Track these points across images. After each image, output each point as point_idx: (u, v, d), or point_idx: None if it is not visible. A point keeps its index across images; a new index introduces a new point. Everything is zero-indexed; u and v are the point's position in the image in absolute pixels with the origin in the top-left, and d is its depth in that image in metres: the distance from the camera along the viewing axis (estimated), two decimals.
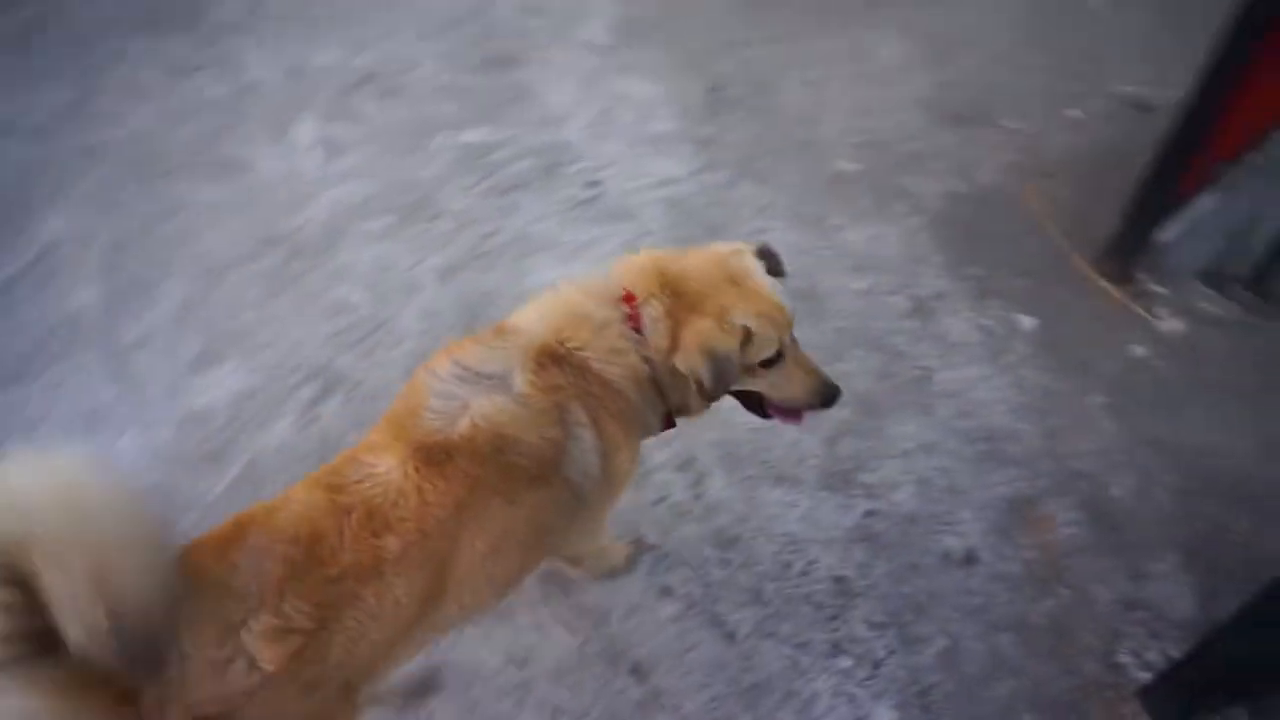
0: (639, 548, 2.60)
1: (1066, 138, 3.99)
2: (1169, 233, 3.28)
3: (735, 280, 1.71)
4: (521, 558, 1.67)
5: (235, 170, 4.04)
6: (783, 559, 2.60)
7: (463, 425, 1.50)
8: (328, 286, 3.45)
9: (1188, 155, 2.98)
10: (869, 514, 2.69)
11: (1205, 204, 3.26)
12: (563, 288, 1.75)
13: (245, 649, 1.23)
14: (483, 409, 1.52)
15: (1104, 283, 3.30)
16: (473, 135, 4.09)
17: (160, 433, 2.95)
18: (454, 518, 1.44)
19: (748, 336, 1.68)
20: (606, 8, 4.89)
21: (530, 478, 1.55)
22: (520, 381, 1.57)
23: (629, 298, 1.70)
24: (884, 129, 4.03)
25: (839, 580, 2.54)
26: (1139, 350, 3.10)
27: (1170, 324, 3.18)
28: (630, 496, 2.65)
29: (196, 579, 1.25)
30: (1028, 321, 3.19)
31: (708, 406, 1.85)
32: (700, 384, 1.66)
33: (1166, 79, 3.89)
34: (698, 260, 1.74)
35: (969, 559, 2.58)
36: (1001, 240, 3.50)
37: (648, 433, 1.86)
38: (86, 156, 4.15)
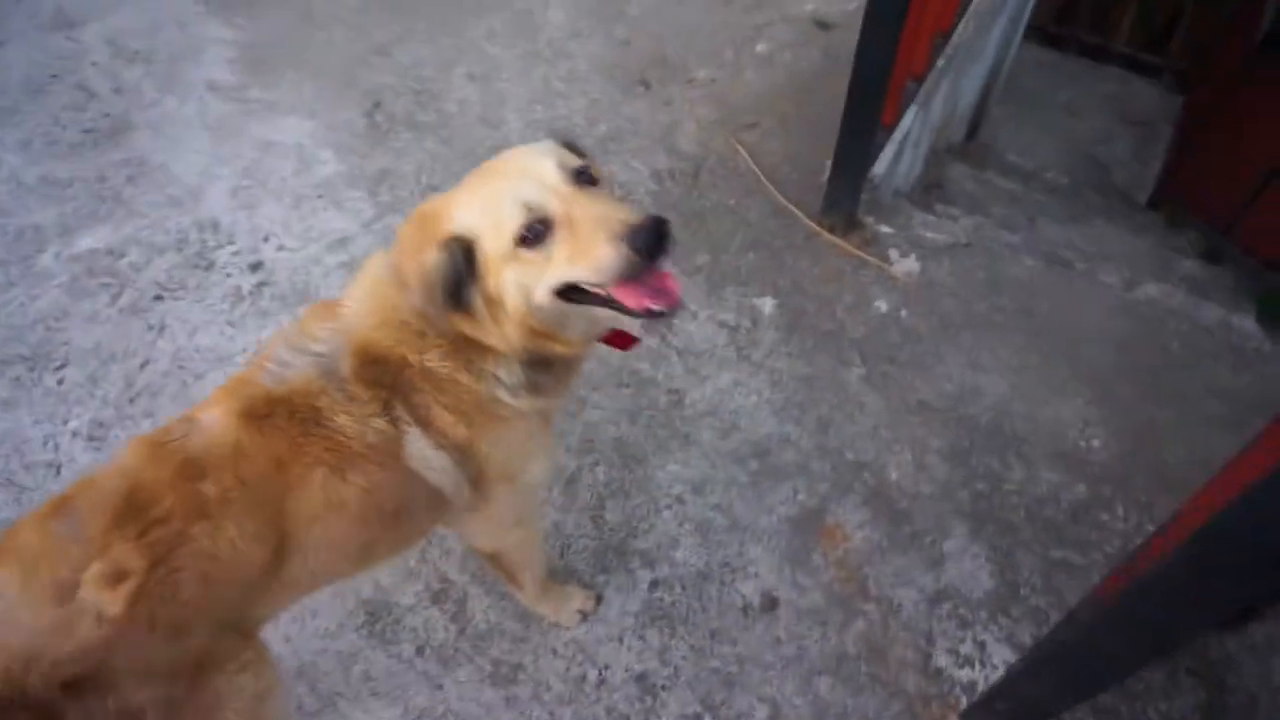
0: (593, 603, 2.38)
1: (760, 76, 3.78)
2: (881, 165, 3.15)
3: (481, 174, 1.47)
4: (364, 532, 1.57)
5: None
6: (574, 674, 2.28)
7: (283, 388, 1.45)
8: None
9: (880, 82, 2.80)
10: (654, 585, 2.42)
11: (908, 121, 3.15)
12: (376, 262, 1.57)
13: (86, 601, 1.22)
14: (299, 381, 1.46)
15: (831, 236, 3.14)
16: (88, 241, 3.30)
17: None
18: (275, 473, 1.40)
19: (463, 243, 1.39)
20: (219, 36, 4.09)
21: (359, 458, 1.46)
22: (345, 368, 1.49)
23: None
24: (571, 112, 3.65)
25: (640, 679, 2.27)
26: (882, 305, 2.98)
27: (904, 265, 3.08)
28: (382, 656, 2.28)
29: (17, 558, 1.26)
30: (768, 304, 2.98)
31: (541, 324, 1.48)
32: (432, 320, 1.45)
33: None
34: (463, 181, 1.50)
35: (769, 603, 2.38)
36: (722, 215, 3.26)
37: (508, 397, 1.57)
38: None
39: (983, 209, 3.47)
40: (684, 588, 2.41)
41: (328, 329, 1.53)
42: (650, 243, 1.30)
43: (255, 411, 1.42)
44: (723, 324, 2.93)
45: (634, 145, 3.50)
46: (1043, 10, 9.59)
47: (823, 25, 3.95)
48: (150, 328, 3.03)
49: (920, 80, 3.16)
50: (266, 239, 3.27)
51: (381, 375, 1.49)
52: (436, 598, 2.40)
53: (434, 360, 1.50)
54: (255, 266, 3.18)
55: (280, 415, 1.43)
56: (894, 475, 2.58)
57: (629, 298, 1.37)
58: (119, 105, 3.80)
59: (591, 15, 4.08)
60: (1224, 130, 6.85)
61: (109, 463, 1.38)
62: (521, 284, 1.40)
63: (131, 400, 2.86)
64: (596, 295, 1.40)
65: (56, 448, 2.76)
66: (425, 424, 1.53)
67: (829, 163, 3.06)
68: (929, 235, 3.15)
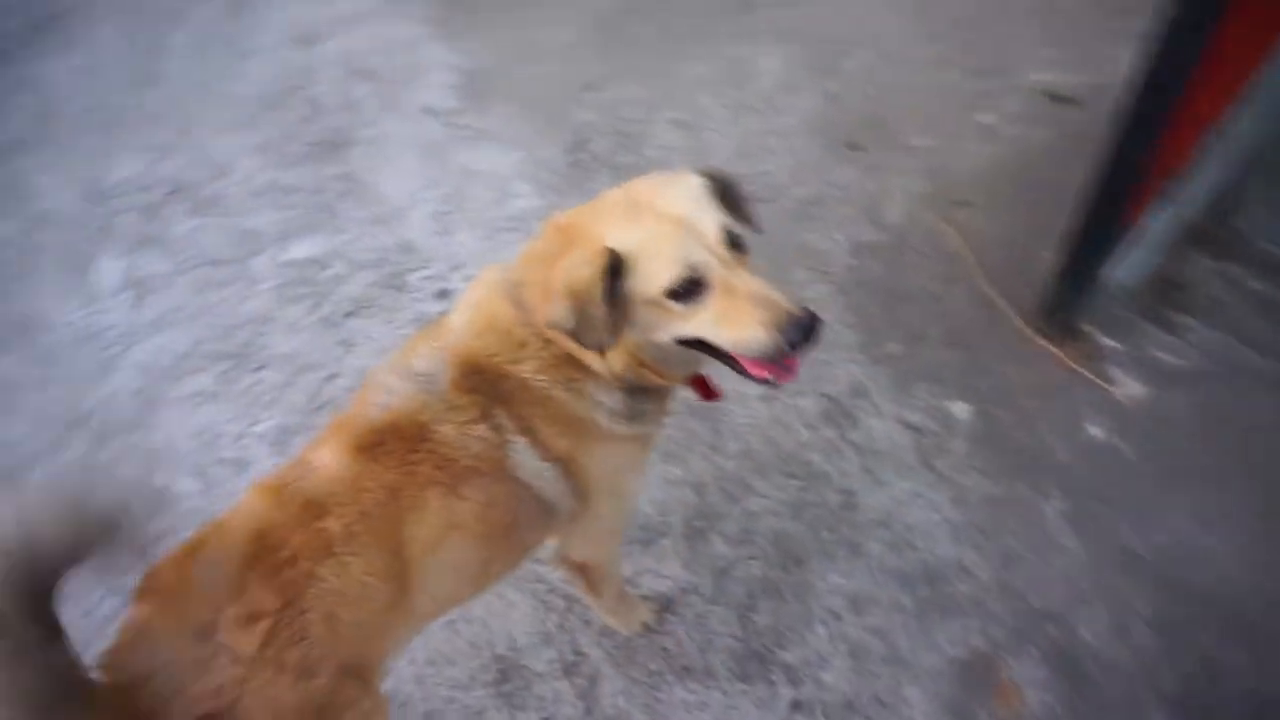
0: (659, 614, 2.41)
1: (980, 149, 3.51)
2: (1118, 268, 2.82)
3: (635, 207, 1.43)
4: (482, 549, 1.59)
5: (29, 332, 3.46)
6: None
7: (389, 414, 1.49)
8: (147, 475, 2.92)
9: (1132, 181, 2.49)
10: (795, 706, 2.24)
11: (1155, 222, 2.80)
12: (487, 277, 1.62)
13: (222, 643, 1.26)
14: (404, 404, 1.50)
15: (1045, 343, 2.84)
16: (300, 250, 3.53)
17: None
18: (392, 500, 1.43)
19: (615, 259, 1.36)
20: (444, 61, 4.29)
21: (471, 471, 1.49)
22: (444, 380, 1.52)
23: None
24: (775, 170, 3.53)
25: None
26: (1096, 431, 2.65)
27: (1128, 388, 2.73)
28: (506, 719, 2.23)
29: (161, 599, 1.31)
30: (962, 410, 2.73)
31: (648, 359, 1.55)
32: (572, 336, 1.42)
33: (1086, 60, 3.42)
34: (601, 202, 1.49)
35: None
36: (922, 301, 3.03)
37: (606, 420, 1.60)
38: None
39: (1230, 322, 3.01)
40: (826, 716, 2.22)
41: (431, 347, 1.57)
42: (802, 339, 1.36)
43: (365, 443, 1.46)
44: (909, 425, 2.71)
45: (837, 213, 3.33)
46: None
47: (1056, 98, 3.62)
48: (341, 342, 3.19)
49: (1177, 177, 2.80)
50: (456, 268, 3.36)
51: (480, 383, 1.52)
52: (569, 670, 2.34)
53: (529, 372, 1.53)
54: (442, 294, 3.27)
55: (389, 440, 1.47)
56: (1086, 635, 2.28)
57: (753, 366, 1.46)
58: (343, 121, 4.06)
59: (805, 68, 3.95)
60: None
61: (234, 507, 1.44)
62: (653, 324, 1.44)
63: (315, 410, 3.01)
64: (720, 351, 1.45)
65: (245, 447, 2.94)
66: (530, 434, 1.55)
67: (1049, 255, 2.77)
68: (1162, 356, 2.78)
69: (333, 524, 1.38)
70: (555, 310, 1.39)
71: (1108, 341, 2.84)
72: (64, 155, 4.22)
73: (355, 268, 3.42)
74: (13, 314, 3.54)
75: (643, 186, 1.48)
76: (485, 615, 2.44)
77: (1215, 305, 2.99)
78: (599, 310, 1.36)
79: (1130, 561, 2.39)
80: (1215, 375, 2.75)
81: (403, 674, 2.36)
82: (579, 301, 1.36)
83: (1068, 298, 2.77)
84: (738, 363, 1.47)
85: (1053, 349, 2.82)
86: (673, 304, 1.39)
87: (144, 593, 1.34)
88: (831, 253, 3.20)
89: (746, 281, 1.39)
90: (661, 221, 1.39)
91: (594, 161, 3.66)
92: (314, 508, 1.39)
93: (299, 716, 1.33)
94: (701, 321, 1.41)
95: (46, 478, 2.95)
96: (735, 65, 4.00)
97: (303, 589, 1.34)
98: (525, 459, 1.55)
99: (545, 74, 4.15)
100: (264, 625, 1.29)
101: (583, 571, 2.08)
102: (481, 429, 1.51)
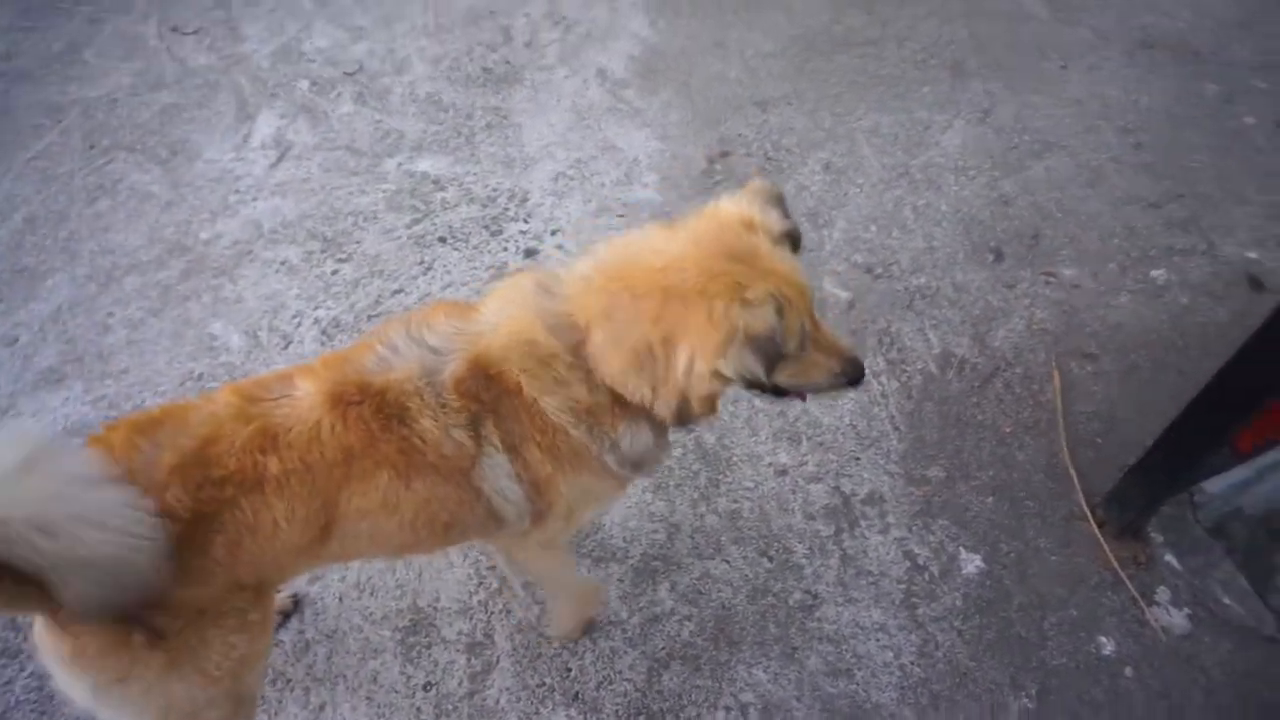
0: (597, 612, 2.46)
1: (1136, 306, 3.23)
2: (1218, 484, 2.57)
3: (743, 258, 1.50)
4: (408, 535, 1.65)
5: (181, 157, 3.89)
6: None
7: (380, 379, 1.54)
8: (209, 318, 3.24)
9: (1245, 403, 2.24)
10: None
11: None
12: (519, 295, 1.64)
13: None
14: (401, 374, 1.55)
15: (1095, 530, 2.62)
16: (428, 164, 3.77)
17: None
18: (341, 464, 1.49)
19: (779, 306, 1.48)
20: (636, 31, 4.40)
21: (429, 468, 1.55)
22: (448, 372, 1.56)
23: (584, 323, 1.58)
24: (902, 248, 3.40)
25: None
26: (1107, 647, 2.43)
27: (1169, 617, 2.48)
28: (397, 668, 2.36)
29: (107, 455, 1.39)
30: (973, 563, 2.58)
31: (714, 405, 1.65)
32: (756, 383, 1.53)
33: None
34: (682, 245, 1.53)
35: None
36: (986, 438, 2.86)
37: (613, 464, 1.70)
38: (50, 114, 4.11)
39: None
40: None
41: (452, 326, 1.62)
42: (853, 386, 1.70)
43: (345, 396, 1.51)
44: (909, 555, 2.59)
45: (942, 314, 3.18)
46: None
47: (1256, 284, 3.27)
48: (421, 263, 3.39)
49: None
50: (554, 232, 3.47)
51: (482, 390, 1.57)
52: (472, 647, 2.42)
53: (552, 406, 1.58)
54: (529, 253, 3.39)
55: (368, 406, 1.52)
56: None
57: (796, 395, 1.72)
58: (522, 58, 4.26)
59: (987, 157, 3.76)
60: None
61: (204, 397, 1.53)
62: (747, 375, 1.50)
63: (370, 318, 3.22)
64: (780, 388, 1.64)
65: (299, 325, 3.20)
66: (511, 451, 1.61)
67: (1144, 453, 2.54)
68: (1226, 600, 2.50)
69: (274, 464, 1.45)
70: (743, 364, 1.46)
71: (1170, 558, 2.58)
72: (277, 12, 4.67)
73: (466, 199, 3.61)
74: (176, 135, 3.99)
75: (743, 238, 1.53)
76: (424, 564, 2.56)
77: None
78: (783, 342, 1.48)
79: None
80: (1277, 646, 2.44)
81: (330, 585, 2.52)
82: (766, 343, 1.45)
83: (1138, 496, 2.53)
84: (796, 396, 1.72)
85: (1101, 537, 2.59)
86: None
87: (96, 440, 1.43)
88: (915, 351, 3.06)
89: (826, 335, 1.62)
90: (791, 287, 1.50)
91: (728, 176, 3.67)
92: (266, 438, 1.46)
93: (179, 611, 1.43)
94: (792, 372, 1.59)
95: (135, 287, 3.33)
96: (916, 129, 3.87)
97: (219, 511, 1.42)
98: (495, 474, 1.61)
99: (723, 75, 4.17)
100: (171, 528, 1.35)
101: (528, 569, 2.21)
102: (462, 434, 1.56)
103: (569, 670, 2.39)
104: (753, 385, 1.54)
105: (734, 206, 1.60)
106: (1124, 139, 3.90)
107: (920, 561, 2.58)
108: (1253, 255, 3.39)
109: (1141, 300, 3.25)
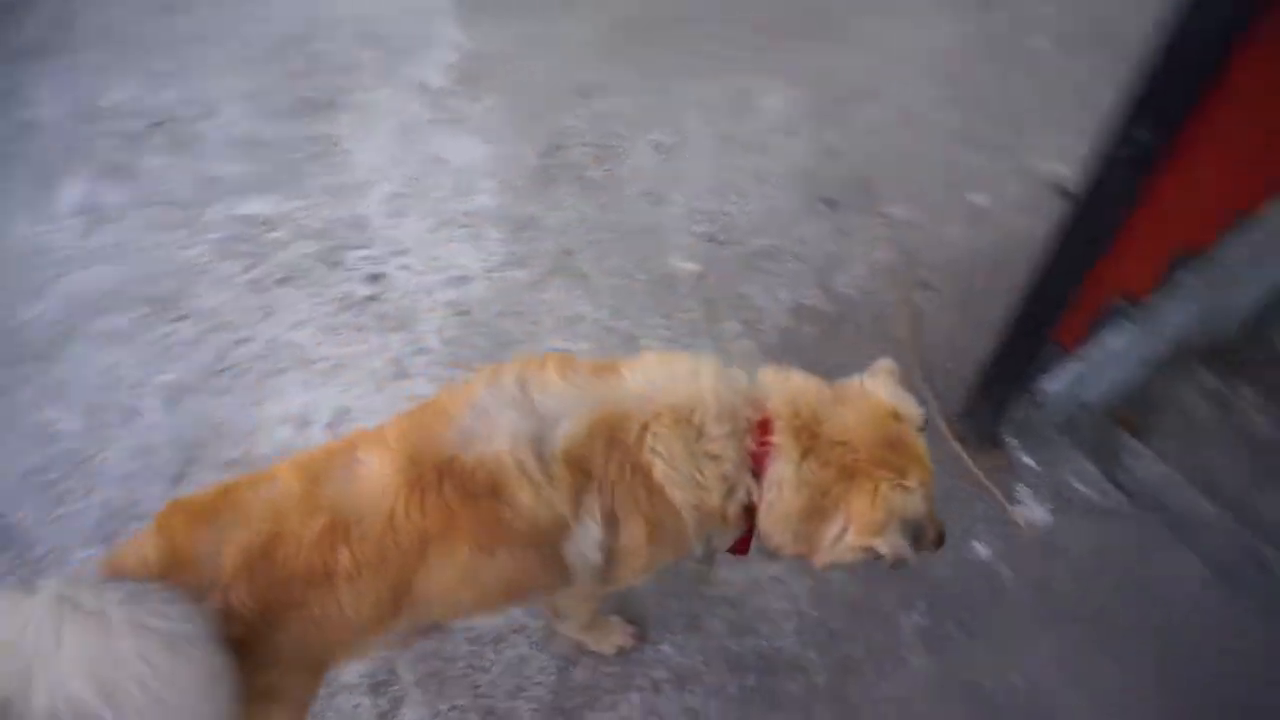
0: (635, 641, 2.41)
1: (964, 232, 3.44)
2: (1058, 382, 2.75)
3: (895, 445, 1.63)
4: (484, 602, 1.63)
5: None
6: None
7: (468, 456, 1.45)
8: (39, 404, 3.05)
9: (1059, 299, 2.43)
10: None
11: (1117, 341, 2.72)
12: (704, 371, 1.62)
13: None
14: (496, 449, 1.45)
15: (957, 446, 2.78)
16: (255, 206, 3.64)
17: None
18: (418, 548, 1.42)
19: (929, 495, 1.66)
20: (451, 38, 4.37)
21: (517, 538, 1.48)
22: (559, 438, 1.48)
23: (764, 427, 1.59)
24: (741, 213, 3.52)
25: None
26: (981, 551, 2.59)
27: (1031, 512, 2.66)
28: None
29: (169, 538, 1.35)
30: None
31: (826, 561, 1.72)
32: (899, 559, 1.62)
33: None
34: (855, 416, 1.64)
35: None
36: (844, 378, 2.98)
37: (684, 554, 1.76)
38: None
39: (1192, 457, 2.86)
40: None
41: (575, 387, 1.54)
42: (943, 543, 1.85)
43: (423, 479, 1.43)
44: None
45: (788, 269, 3.31)
46: None
47: (1062, 192, 3.52)
48: (262, 308, 3.28)
49: (1139, 301, 2.71)
50: (396, 253, 3.42)
51: (596, 458, 1.51)
52: (376, 687, 2.37)
53: (678, 496, 1.55)
54: (375, 278, 3.34)
55: (449, 488, 1.44)
56: None
57: None
58: (339, 82, 4.17)
59: (810, 114, 3.92)
60: None
61: (265, 477, 1.46)
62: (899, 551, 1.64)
63: (217, 373, 3.10)
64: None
65: (140, 396, 3.04)
66: (610, 520, 1.56)
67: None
68: (1078, 486, 2.70)
69: (345, 557, 1.39)
70: (895, 544, 1.59)
71: (1027, 460, 2.77)
72: (70, 68, 4.42)
73: (300, 234, 3.52)
74: None
75: (895, 428, 1.67)
76: None
77: (1189, 435, 2.88)
78: (921, 529, 1.63)
79: (974, 696, 2.33)
80: (1134, 517, 2.66)
81: None
82: (918, 527, 1.62)
83: (986, 408, 2.71)
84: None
85: (964, 454, 2.76)
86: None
87: (157, 531, 1.39)
88: (768, 310, 3.18)
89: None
90: (927, 475, 1.68)
91: (563, 171, 3.70)
92: (337, 528, 1.39)
93: (244, 695, 1.36)
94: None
95: None
96: (738, 97, 3.99)
97: (287, 609, 1.37)
98: (586, 543, 1.56)
99: (545, 68, 4.20)
100: (236, 630, 1.32)
101: (552, 609, 2.17)
102: (564, 507, 1.50)
103: (478, 687, 2.37)
104: (898, 562, 1.65)
105: (883, 392, 1.72)
106: (933, 79, 4.13)
107: None
108: (1055, 168, 3.65)
109: (968, 226, 3.46)
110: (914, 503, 1.60)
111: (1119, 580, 2.52)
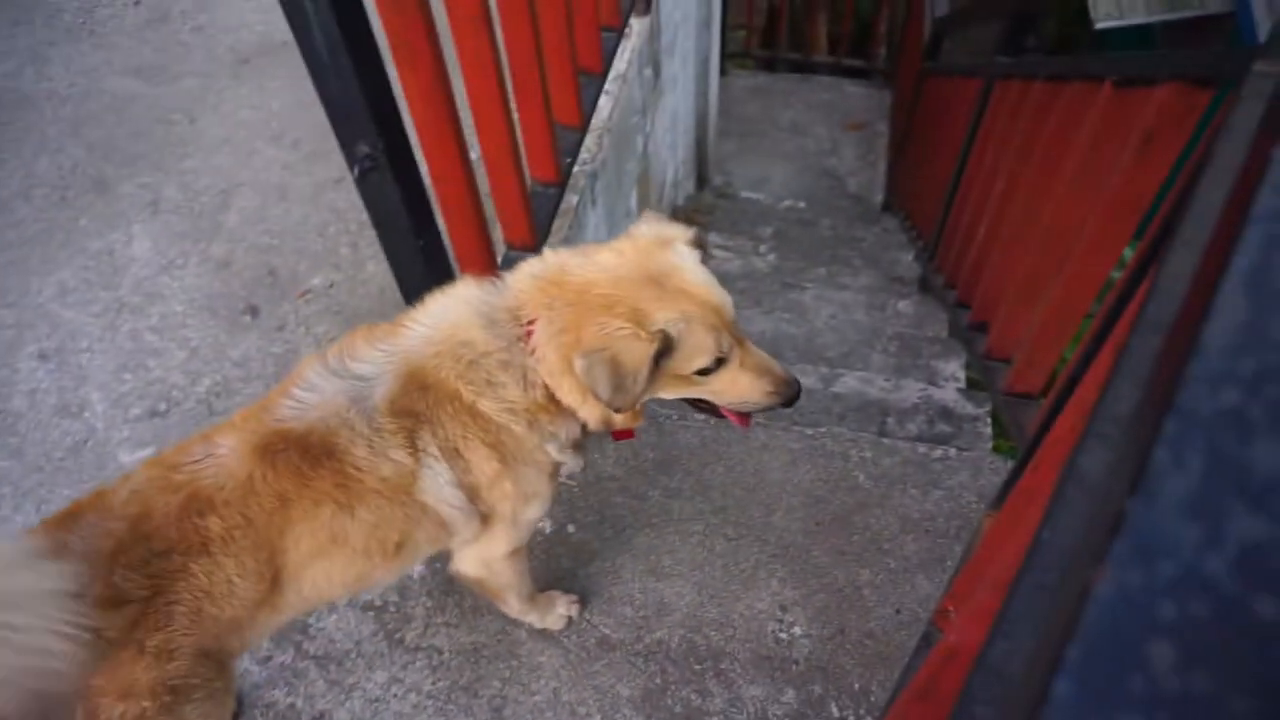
0: (576, 609, 2.50)
1: (380, 267, 3.51)
2: None
3: (658, 279, 1.58)
4: (363, 563, 1.64)
5: None
6: None
7: (303, 422, 1.53)
8: None
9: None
10: None
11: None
12: (460, 293, 1.69)
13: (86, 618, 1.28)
14: (325, 411, 1.54)
15: None
16: None
17: None
18: (280, 508, 1.48)
19: (667, 343, 1.54)
20: None
21: (372, 493, 1.55)
22: (379, 394, 1.57)
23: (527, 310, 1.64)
24: (168, 371, 3.25)
25: None
26: (544, 526, 2.73)
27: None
28: None
29: (35, 541, 1.37)
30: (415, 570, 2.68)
31: (637, 412, 1.77)
32: (597, 396, 1.56)
33: None
34: (610, 260, 1.62)
35: None
36: None
37: (546, 467, 1.81)
38: None
39: None
40: None
41: (379, 350, 1.62)
42: (787, 405, 1.71)
43: (269, 446, 1.49)
44: (367, 608, 2.60)
45: (245, 394, 3.14)
46: (749, 38, 10.00)
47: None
48: None
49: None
50: None
51: (418, 403, 1.58)
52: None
53: (490, 407, 1.62)
54: None
55: (293, 450, 1.50)
56: None
57: (733, 416, 1.79)
58: None
59: (183, 239, 3.71)
60: (913, 138, 7.18)
61: (124, 477, 1.49)
62: (671, 388, 1.69)
63: None
64: (706, 405, 1.78)
65: None
66: (452, 457, 1.63)
67: None
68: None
69: (214, 523, 1.44)
70: (594, 377, 1.51)
71: None
72: None
73: None
74: None
75: (652, 256, 1.62)
76: None
77: None
78: (640, 383, 1.52)
79: (604, 648, 2.48)
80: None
81: None
82: (622, 375, 1.50)
83: None
84: (720, 411, 1.78)
85: None
86: (696, 376, 1.64)
87: (26, 536, 1.41)
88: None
89: (751, 354, 1.68)
90: (702, 307, 1.58)
91: None
92: (200, 501, 1.44)
93: (151, 694, 1.39)
94: (714, 389, 1.69)
95: None
96: (102, 261, 3.64)
97: (173, 582, 1.41)
98: (438, 483, 1.63)
99: None
100: (130, 610, 1.36)
101: (480, 585, 2.14)
102: (400, 454, 1.57)
103: None
104: (619, 398, 1.55)
105: (643, 229, 1.70)
106: (281, 144, 4.11)
107: (379, 604, 2.62)
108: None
109: (374, 257, 3.53)
110: (632, 351, 1.51)
111: (656, 471, 2.80)
